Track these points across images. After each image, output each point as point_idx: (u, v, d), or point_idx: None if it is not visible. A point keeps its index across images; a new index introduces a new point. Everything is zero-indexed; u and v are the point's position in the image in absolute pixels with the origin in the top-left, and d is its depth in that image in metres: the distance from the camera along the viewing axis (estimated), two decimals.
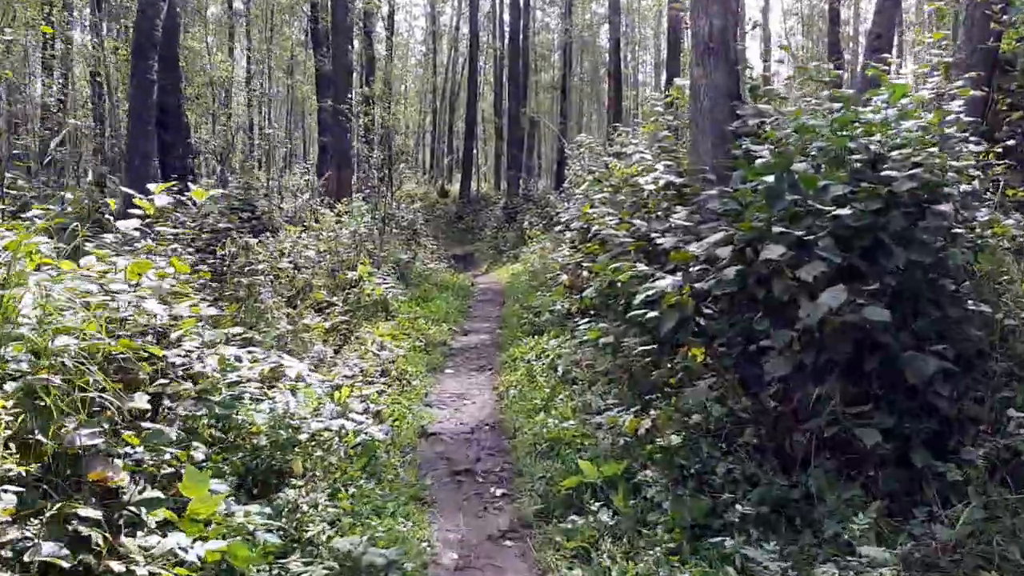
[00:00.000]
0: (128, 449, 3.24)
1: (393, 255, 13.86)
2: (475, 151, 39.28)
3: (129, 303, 3.59)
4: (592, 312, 8.40)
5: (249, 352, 5.10)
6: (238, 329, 6.24)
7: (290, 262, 9.18)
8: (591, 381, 6.70)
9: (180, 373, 3.98)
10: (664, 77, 24.42)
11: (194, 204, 11.75)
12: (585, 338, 6.71)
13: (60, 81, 24.67)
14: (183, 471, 3.74)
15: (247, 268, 8.08)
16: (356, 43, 27.60)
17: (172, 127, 15.19)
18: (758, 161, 5.24)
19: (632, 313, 5.07)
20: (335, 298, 9.37)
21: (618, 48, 26.35)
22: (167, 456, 3.51)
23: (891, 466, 4.40)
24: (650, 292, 4.85)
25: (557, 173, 29.31)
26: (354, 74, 26.44)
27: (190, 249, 8.04)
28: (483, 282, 17.69)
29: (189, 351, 4.20)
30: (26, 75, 22.12)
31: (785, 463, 4.69)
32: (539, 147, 43.31)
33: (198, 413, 4.14)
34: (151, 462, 3.39)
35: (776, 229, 4.38)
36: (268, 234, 11.38)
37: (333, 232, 11.83)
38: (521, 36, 32.16)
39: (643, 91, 43.69)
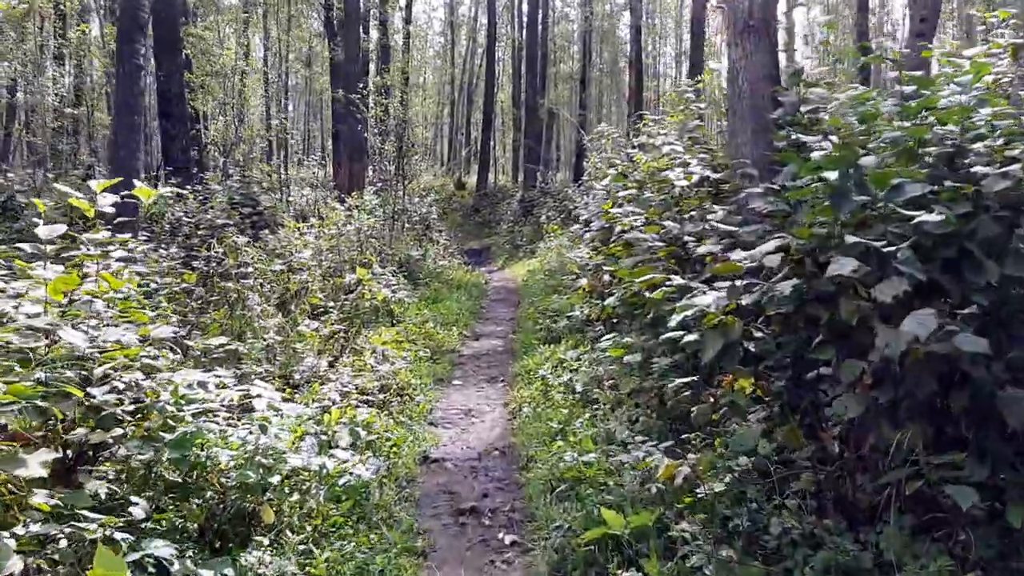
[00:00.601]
0: (24, 527, 2.52)
1: (402, 252, 13.13)
2: (492, 143, 38.62)
3: (38, 331, 2.86)
4: (615, 320, 7.63)
5: (216, 376, 4.37)
6: (221, 340, 5.54)
7: (284, 263, 8.43)
8: (615, 403, 5.93)
9: (118, 413, 3.25)
10: (686, 67, 23.54)
11: (204, 200, 11.11)
12: (607, 355, 5.92)
13: (73, 71, 24.16)
14: (115, 535, 3.04)
15: (235, 271, 7.35)
16: (373, 32, 26.95)
17: (175, 116, 14.51)
18: (815, 154, 4.44)
19: (667, 335, 4.28)
20: (334, 303, 8.61)
21: (639, 35, 25.46)
22: (91, 524, 2.79)
23: (984, 525, 3.62)
24: (688, 312, 4.06)
25: (576, 166, 28.54)
26: (371, 64, 25.77)
27: (174, 249, 7.36)
28: (498, 279, 16.96)
29: (135, 383, 3.48)
30: (39, 65, 21.57)
31: (850, 516, 3.92)
32: (558, 139, 42.58)
33: (141, 457, 3.43)
34: (63, 536, 2.67)
35: (849, 239, 3.58)
36: (268, 231, 10.69)
37: (336, 229, 11.08)
38: (540, 26, 31.47)
39: (664, 82, 42.80)
